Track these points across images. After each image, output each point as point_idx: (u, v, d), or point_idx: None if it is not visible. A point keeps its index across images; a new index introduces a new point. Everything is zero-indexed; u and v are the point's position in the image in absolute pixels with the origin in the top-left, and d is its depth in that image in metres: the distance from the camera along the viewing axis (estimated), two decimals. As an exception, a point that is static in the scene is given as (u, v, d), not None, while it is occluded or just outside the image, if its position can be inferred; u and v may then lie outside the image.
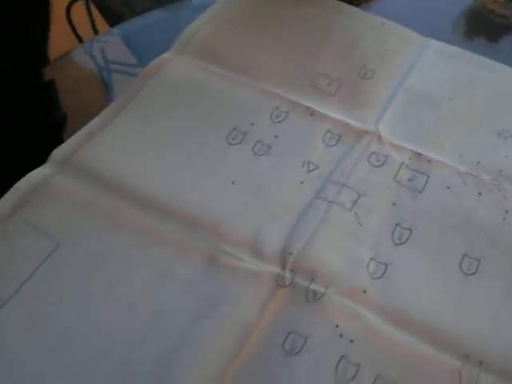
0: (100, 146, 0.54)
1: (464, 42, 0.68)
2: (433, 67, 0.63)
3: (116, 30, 0.71)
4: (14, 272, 0.46)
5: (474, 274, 0.48)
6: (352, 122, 0.57)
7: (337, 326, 0.44)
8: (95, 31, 1.17)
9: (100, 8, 1.23)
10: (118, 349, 0.42)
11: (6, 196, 0.50)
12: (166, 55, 0.62)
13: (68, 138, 0.54)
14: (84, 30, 1.16)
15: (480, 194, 0.52)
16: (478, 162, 0.54)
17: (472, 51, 0.65)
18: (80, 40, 1.10)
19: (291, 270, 0.46)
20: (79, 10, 1.16)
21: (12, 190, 0.50)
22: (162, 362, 0.42)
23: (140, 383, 0.41)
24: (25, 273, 0.46)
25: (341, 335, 0.43)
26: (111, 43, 0.70)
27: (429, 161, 0.54)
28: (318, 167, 0.54)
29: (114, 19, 1.23)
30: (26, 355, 0.42)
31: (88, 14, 1.17)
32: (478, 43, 0.69)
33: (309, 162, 0.54)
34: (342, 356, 0.43)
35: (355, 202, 0.51)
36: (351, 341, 0.43)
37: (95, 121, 0.55)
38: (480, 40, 0.70)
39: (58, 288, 0.45)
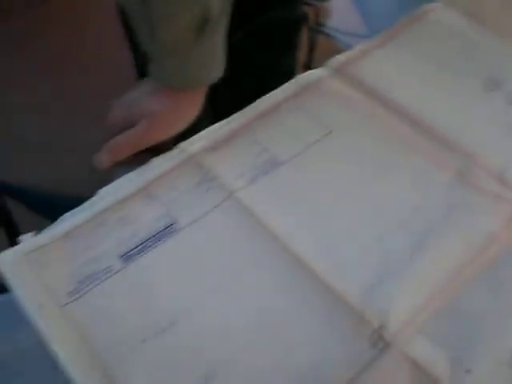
0: (372, 62, 0.61)
1: None
2: None
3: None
4: (290, 144, 0.54)
5: None
6: None
7: None
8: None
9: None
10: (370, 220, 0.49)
11: (286, 86, 0.58)
12: (433, 5, 0.68)
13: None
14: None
15: None
16: None
17: None
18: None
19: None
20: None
21: (293, 80, 0.58)
22: (418, 240, 0.48)
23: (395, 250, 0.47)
24: (299, 148, 0.53)
25: None
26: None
27: None
28: None
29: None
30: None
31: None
32: None
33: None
34: None
35: None
36: None
37: (371, 42, 0.62)
38: None
39: (323, 168, 0.53)
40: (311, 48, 1.42)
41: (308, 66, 1.52)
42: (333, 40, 1.08)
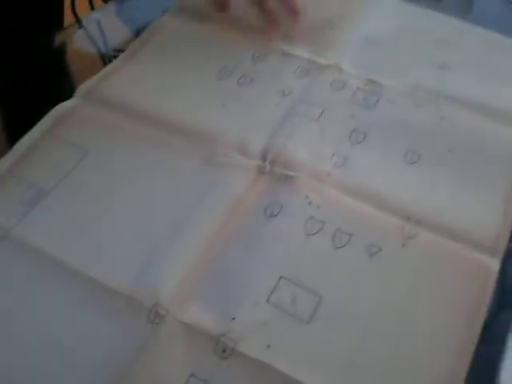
0: (117, 80, 0.68)
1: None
2: (386, 17, 0.77)
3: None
4: (52, 173, 0.60)
5: (415, 163, 0.61)
6: (318, 58, 0.71)
7: (306, 197, 0.57)
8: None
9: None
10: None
11: (41, 122, 0.64)
12: (165, 17, 0.76)
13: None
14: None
15: (418, 106, 0.66)
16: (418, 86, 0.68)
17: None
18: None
19: (270, 162, 0.60)
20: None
21: (45, 117, 0.64)
22: (177, 223, 0.55)
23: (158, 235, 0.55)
24: (60, 174, 0.59)
25: (309, 203, 0.57)
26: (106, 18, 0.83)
27: (379, 85, 0.68)
28: (290, 93, 0.67)
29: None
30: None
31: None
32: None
33: (283, 90, 0.68)
34: (310, 217, 0.56)
35: (320, 114, 0.65)
36: (318, 207, 0.56)
37: (112, 64, 0.69)
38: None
39: (86, 185, 0.59)
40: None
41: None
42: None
